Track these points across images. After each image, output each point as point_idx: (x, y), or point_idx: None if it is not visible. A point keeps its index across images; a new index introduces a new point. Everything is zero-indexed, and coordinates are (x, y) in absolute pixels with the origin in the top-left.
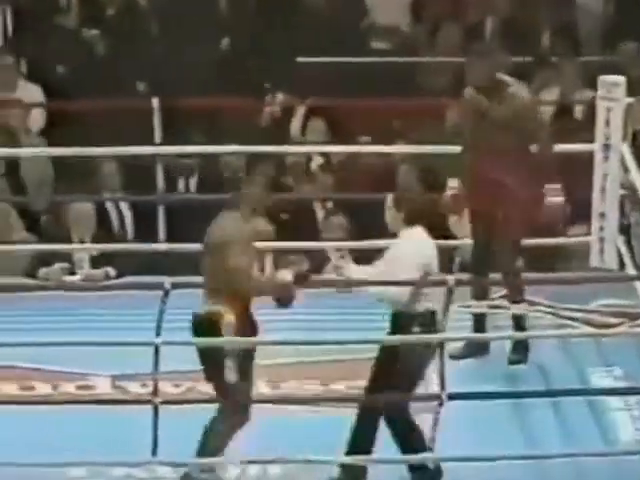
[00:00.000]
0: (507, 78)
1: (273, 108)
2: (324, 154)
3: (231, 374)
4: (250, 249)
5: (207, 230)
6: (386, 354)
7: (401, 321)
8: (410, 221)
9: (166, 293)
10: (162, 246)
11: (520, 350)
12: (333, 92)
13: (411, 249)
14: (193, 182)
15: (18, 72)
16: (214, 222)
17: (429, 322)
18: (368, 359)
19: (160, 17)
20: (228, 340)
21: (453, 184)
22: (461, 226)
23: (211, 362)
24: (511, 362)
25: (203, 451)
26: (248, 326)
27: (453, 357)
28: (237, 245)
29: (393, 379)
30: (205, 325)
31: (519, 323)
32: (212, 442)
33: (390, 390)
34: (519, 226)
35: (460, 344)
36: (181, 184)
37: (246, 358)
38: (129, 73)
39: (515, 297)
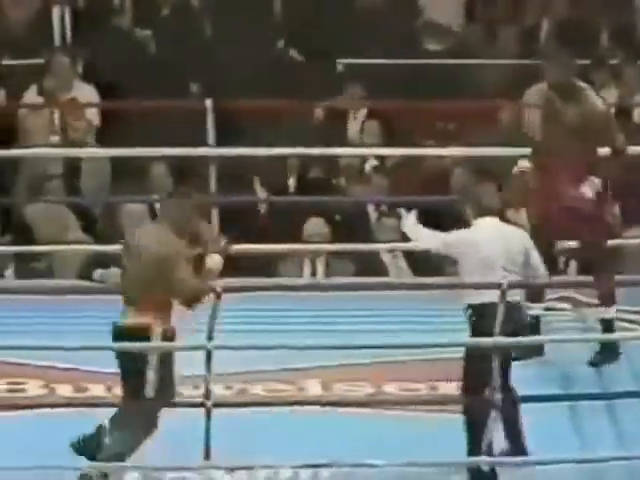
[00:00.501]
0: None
1: (320, 111)
2: (379, 156)
3: (150, 388)
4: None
5: (130, 237)
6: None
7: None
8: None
9: (218, 296)
10: None
11: (606, 353)
12: (385, 94)
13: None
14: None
15: (74, 72)
16: (138, 230)
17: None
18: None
19: (213, 17)
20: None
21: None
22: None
23: (132, 374)
24: (593, 364)
25: (108, 453)
26: (169, 334)
27: None
28: (181, 257)
29: (464, 379)
30: (131, 337)
31: (608, 327)
32: (117, 447)
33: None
34: (596, 229)
35: None
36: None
37: (166, 367)
38: (182, 74)
39: (606, 300)
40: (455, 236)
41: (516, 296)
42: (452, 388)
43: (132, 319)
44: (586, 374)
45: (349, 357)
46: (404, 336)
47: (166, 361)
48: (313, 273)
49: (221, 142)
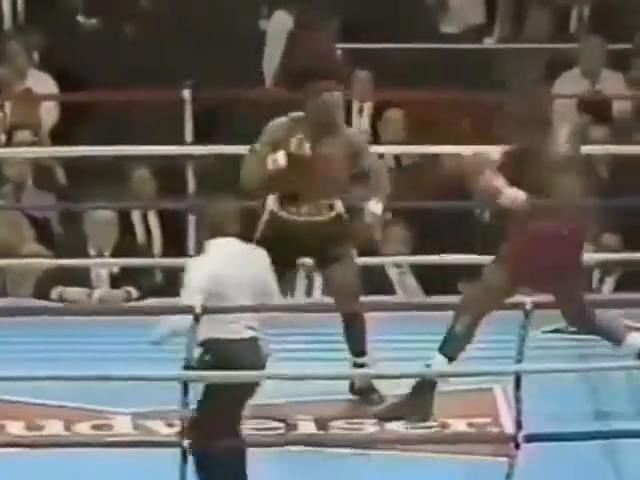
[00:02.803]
0: None
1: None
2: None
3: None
4: None
5: None
6: None
7: None
8: None
9: (197, 318)
10: None
11: None
12: (394, 83)
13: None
14: None
15: (29, 60)
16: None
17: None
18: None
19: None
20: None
21: None
22: None
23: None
24: None
25: None
26: None
27: None
28: None
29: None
30: None
31: None
32: None
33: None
34: None
35: None
36: None
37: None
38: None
39: None
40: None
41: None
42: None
43: None
44: (623, 406)
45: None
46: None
47: None
48: (308, 290)
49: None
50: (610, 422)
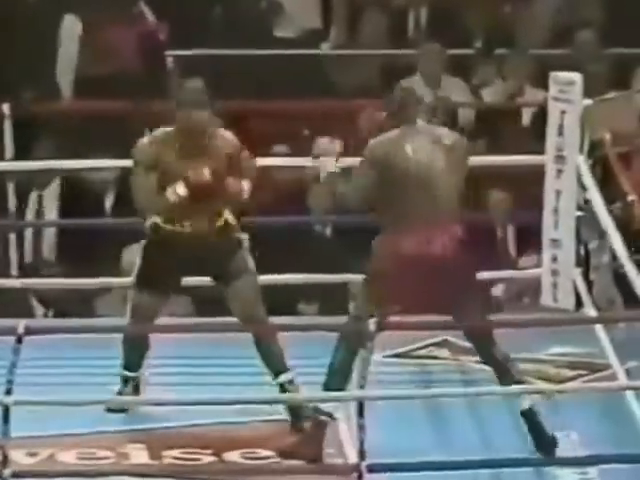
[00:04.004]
0: None
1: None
2: None
3: None
4: None
5: None
6: None
7: None
8: None
9: (19, 339)
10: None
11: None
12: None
13: None
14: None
15: None
16: None
17: None
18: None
19: None
20: None
21: None
22: None
23: None
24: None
25: None
26: None
27: None
28: None
29: None
30: None
31: None
32: None
33: None
34: None
35: None
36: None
37: None
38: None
39: None
40: None
41: None
42: None
43: None
44: (470, 436)
45: (189, 417)
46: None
47: None
48: None
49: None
50: (457, 452)
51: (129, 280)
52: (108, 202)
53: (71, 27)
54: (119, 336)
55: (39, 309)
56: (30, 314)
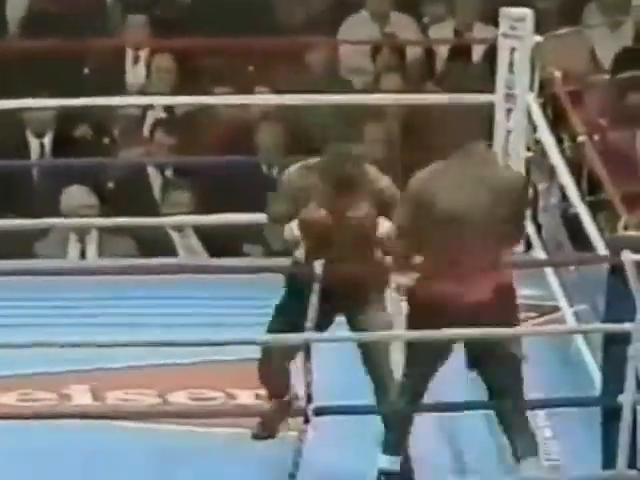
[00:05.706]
0: None
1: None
2: (167, 108)
3: None
4: None
5: None
6: None
7: None
8: None
9: None
10: None
11: None
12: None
13: None
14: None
15: None
16: None
17: None
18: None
19: None
20: None
21: None
22: None
23: None
24: None
25: None
26: None
27: None
28: None
29: None
30: None
31: None
32: None
33: None
34: None
35: None
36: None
37: None
38: None
39: None
40: None
41: None
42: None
43: None
44: None
45: (133, 358)
46: (199, 331)
47: None
48: (82, 253)
49: None
50: None
51: (68, 221)
52: (47, 142)
53: None
54: (58, 278)
55: None
56: None
